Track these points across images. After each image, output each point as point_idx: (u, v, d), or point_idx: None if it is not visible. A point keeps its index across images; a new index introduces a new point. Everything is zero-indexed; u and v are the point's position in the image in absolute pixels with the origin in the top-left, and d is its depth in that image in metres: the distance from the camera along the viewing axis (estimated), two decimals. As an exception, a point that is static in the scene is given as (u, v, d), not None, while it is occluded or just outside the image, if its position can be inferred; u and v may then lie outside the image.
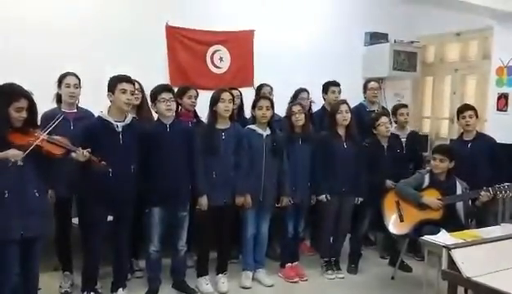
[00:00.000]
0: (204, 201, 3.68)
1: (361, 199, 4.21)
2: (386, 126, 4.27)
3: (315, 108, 4.95)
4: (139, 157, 3.44)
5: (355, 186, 4.14)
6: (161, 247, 3.66)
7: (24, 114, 2.74)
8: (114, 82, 3.30)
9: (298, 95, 4.71)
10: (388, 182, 4.18)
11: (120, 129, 3.33)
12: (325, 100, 4.96)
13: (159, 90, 3.61)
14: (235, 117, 4.18)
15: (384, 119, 4.29)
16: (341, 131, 4.15)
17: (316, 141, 4.14)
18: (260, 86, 4.83)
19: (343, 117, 4.11)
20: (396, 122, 4.78)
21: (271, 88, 4.79)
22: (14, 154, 2.64)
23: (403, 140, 4.67)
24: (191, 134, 3.74)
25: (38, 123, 3.01)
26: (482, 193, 3.75)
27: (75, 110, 3.73)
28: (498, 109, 5.21)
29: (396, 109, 4.80)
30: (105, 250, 3.47)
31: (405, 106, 4.87)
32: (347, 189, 4.12)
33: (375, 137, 4.31)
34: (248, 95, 4.67)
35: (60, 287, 3.72)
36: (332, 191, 4.10)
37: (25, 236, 2.77)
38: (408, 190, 3.94)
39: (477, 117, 4.26)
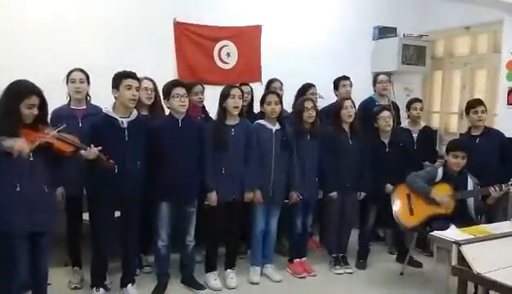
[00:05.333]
0: (213, 197, 3.68)
1: (363, 194, 4.21)
2: (386, 121, 4.20)
3: (323, 103, 4.93)
4: (145, 153, 3.44)
5: (358, 182, 4.15)
6: (169, 242, 3.67)
7: (35, 111, 2.76)
8: (119, 79, 3.29)
9: (306, 91, 4.69)
10: (389, 187, 4.13)
11: (125, 125, 3.33)
12: (337, 95, 4.92)
13: (172, 85, 3.59)
14: (245, 113, 4.17)
15: (384, 113, 4.22)
16: (346, 127, 4.15)
17: (324, 137, 4.13)
18: (270, 81, 4.82)
19: (348, 112, 4.10)
20: (409, 117, 4.76)
21: (282, 83, 4.77)
22: (21, 146, 2.63)
23: (415, 135, 4.64)
24: (202, 130, 3.73)
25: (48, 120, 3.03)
26: (492, 189, 3.72)
27: (84, 107, 3.70)
28: (508, 103, 5.14)
29: (410, 103, 4.78)
30: (114, 246, 3.49)
31: (418, 101, 4.83)
32: (350, 184, 4.13)
33: (376, 132, 4.27)
34: (255, 90, 4.66)
35: (70, 282, 3.74)
36: (336, 187, 4.10)
37: (32, 230, 2.79)
38: (418, 183, 3.90)
39: (486, 112, 4.23)
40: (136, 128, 3.38)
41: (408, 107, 4.76)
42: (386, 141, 4.26)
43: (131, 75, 3.32)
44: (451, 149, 3.91)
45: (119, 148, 3.26)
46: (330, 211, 4.23)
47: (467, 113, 4.29)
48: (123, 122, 3.33)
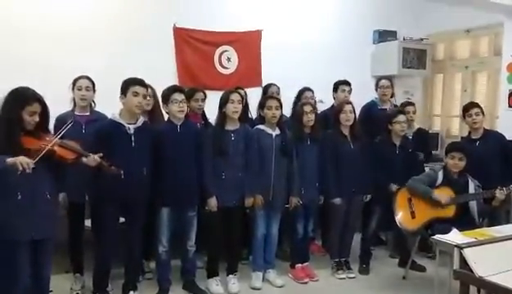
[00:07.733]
0: (213, 202, 3.68)
1: (369, 196, 4.21)
2: (402, 126, 4.20)
3: (324, 107, 4.93)
4: (151, 159, 3.45)
5: (362, 185, 4.14)
6: (170, 247, 3.67)
7: (36, 118, 2.76)
8: (127, 85, 3.32)
9: (301, 95, 4.70)
10: (393, 186, 4.10)
11: (132, 131, 3.34)
12: (334, 98, 4.93)
13: (170, 91, 3.61)
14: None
15: (400, 118, 4.22)
16: (346, 131, 4.14)
17: (325, 142, 4.12)
18: (267, 86, 4.82)
19: (347, 117, 4.10)
20: None
21: (279, 88, 4.78)
22: (25, 161, 2.58)
23: (409, 137, 4.66)
24: (201, 135, 3.74)
25: (52, 126, 3.03)
26: (497, 191, 3.71)
27: (88, 113, 3.71)
28: (509, 106, 5.14)
29: (403, 106, 4.81)
30: (116, 252, 3.48)
31: (411, 104, 4.91)
32: (355, 189, 4.12)
33: (389, 134, 4.27)
34: (255, 95, 4.66)
35: (72, 288, 3.73)
36: (342, 193, 4.08)
37: (36, 238, 2.79)
38: (419, 186, 3.89)
39: (483, 114, 4.21)
40: (143, 134, 3.40)
41: None
42: (397, 144, 4.26)
43: (139, 82, 3.34)
44: (449, 151, 3.93)
45: (126, 154, 3.27)
46: (332, 217, 4.21)
47: (463, 116, 4.29)
48: (129, 128, 3.34)
